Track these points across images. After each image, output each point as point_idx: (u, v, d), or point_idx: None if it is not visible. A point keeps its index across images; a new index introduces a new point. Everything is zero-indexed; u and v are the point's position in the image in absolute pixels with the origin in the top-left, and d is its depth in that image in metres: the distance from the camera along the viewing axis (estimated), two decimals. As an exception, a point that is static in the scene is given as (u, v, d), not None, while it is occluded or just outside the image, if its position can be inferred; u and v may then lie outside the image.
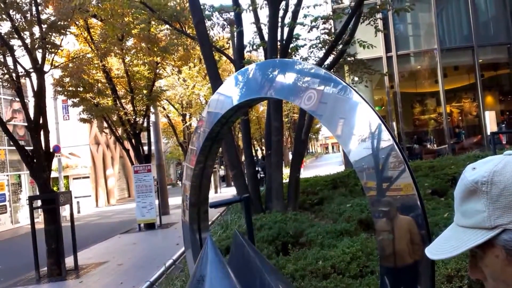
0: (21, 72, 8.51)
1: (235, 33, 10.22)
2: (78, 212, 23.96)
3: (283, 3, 9.22)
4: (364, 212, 6.86)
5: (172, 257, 8.16)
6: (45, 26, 8.38)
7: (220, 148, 8.83)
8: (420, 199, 1.93)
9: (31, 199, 8.84)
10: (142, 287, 6.48)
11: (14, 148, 8.42)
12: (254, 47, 10.10)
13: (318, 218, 7.98)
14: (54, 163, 14.45)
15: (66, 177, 26.59)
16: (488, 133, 17.04)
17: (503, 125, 18.65)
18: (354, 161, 2.12)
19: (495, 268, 0.79)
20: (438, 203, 7.25)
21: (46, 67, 8.79)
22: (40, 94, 8.42)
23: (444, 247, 0.83)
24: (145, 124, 14.76)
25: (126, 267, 8.45)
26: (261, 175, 19.10)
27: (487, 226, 0.78)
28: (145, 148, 14.87)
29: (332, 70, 9.25)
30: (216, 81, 8.63)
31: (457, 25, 18.42)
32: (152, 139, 16.32)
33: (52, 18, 8.64)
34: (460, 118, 20.01)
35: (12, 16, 8.13)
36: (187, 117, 23.22)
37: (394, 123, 17.61)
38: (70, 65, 11.52)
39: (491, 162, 0.82)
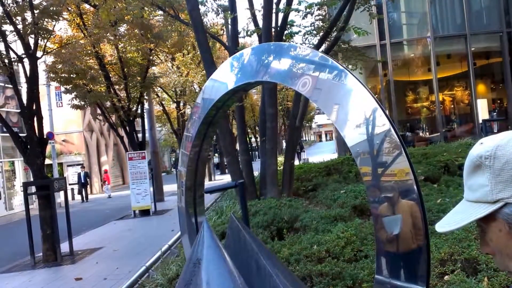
0: (14, 57, 8.43)
1: (229, 19, 10.14)
2: (73, 199, 23.93)
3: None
4: (358, 198, 6.92)
5: (168, 242, 8.21)
6: (37, 11, 8.27)
7: (215, 136, 8.81)
8: (416, 183, 1.95)
9: (26, 185, 8.80)
10: (138, 271, 6.52)
11: (7, 134, 8.37)
12: (249, 33, 10.05)
13: (313, 204, 8.04)
14: (48, 150, 14.40)
15: (60, 164, 26.47)
16: (480, 121, 17.17)
17: (495, 113, 18.77)
18: (350, 146, 2.12)
19: (499, 242, 0.80)
20: (431, 189, 7.34)
21: (39, 53, 8.70)
22: (33, 80, 8.35)
23: (451, 220, 0.85)
24: (139, 111, 14.71)
25: (122, 253, 8.49)
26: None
27: (490, 200, 0.79)
28: (139, 135, 14.84)
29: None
30: (210, 68, 8.58)
31: (450, 13, 18.40)
32: (146, 126, 16.29)
33: (44, 3, 8.52)
34: (452, 106, 20.08)
35: (3, 1, 8.03)
36: (181, 104, 23.13)
37: (387, 111, 17.65)
38: (63, 51, 11.40)
39: (498, 137, 0.82)
